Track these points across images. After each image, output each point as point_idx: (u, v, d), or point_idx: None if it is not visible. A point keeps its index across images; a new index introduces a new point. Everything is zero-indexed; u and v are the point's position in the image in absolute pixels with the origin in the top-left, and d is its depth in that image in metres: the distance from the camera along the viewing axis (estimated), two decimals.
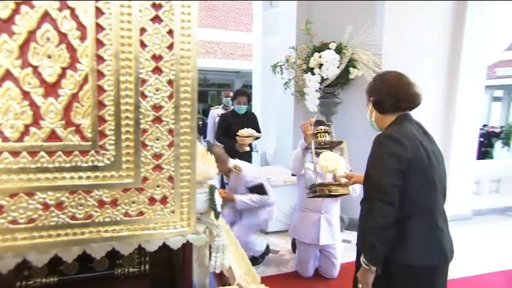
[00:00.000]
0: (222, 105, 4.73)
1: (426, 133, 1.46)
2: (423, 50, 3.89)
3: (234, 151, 3.60)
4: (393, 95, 1.43)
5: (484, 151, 9.58)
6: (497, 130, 10.78)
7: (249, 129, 3.60)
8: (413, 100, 1.44)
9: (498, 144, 8.81)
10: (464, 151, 4.21)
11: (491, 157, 8.84)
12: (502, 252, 3.42)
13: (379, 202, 1.29)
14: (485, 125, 11.74)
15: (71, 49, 0.86)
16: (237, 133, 3.55)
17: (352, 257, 1.50)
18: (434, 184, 1.36)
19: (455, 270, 3.01)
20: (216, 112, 4.70)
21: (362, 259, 1.36)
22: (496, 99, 16.71)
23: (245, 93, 3.82)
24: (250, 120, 3.79)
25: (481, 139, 9.12)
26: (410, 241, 1.33)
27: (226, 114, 3.92)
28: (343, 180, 1.95)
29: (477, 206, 4.47)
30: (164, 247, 1.12)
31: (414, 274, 1.36)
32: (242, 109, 3.73)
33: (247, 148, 3.64)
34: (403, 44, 3.69)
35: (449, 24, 4.00)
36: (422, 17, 3.79)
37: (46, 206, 0.90)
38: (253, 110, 5.58)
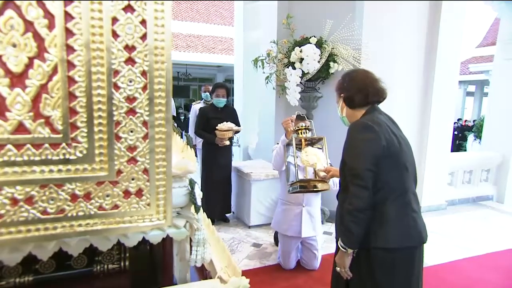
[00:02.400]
0: (203, 100, 4.69)
1: (394, 121, 1.54)
2: (401, 46, 3.98)
3: (214, 146, 3.55)
4: (363, 90, 1.50)
5: (458, 144, 9.95)
6: (470, 124, 11.22)
7: (228, 122, 3.50)
8: (380, 94, 1.53)
9: (470, 137, 9.16)
10: (439, 144, 4.36)
11: (465, 150, 9.19)
12: (474, 240, 3.58)
13: (354, 187, 1.36)
14: (459, 119, 12.18)
15: (38, 38, 0.83)
16: (216, 127, 3.49)
17: (334, 249, 1.54)
18: (406, 167, 1.43)
19: (431, 257, 3.13)
20: (197, 107, 4.66)
21: (339, 242, 1.42)
22: (469, 93, 17.34)
23: (223, 86, 3.70)
24: (230, 114, 3.69)
25: (455, 133, 9.47)
26: (388, 224, 1.39)
27: (205, 108, 3.78)
28: (322, 174, 2.02)
29: (451, 197, 4.66)
30: (144, 242, 1.10)
31: (393, 257, 1.41)
32: (221, 102, 3.62)
33: (227, 142, 3.58)
34: (382, 40, 3.76)
35: (425, 21, 4.12)
36: (400, 14, 3.88)
37: (14, 201, 0.86)
38: (235, 104, 5.54)
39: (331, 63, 3.46)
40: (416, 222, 1.44)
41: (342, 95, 1.58)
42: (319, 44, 3.43)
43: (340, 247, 1.42)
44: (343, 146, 1.48)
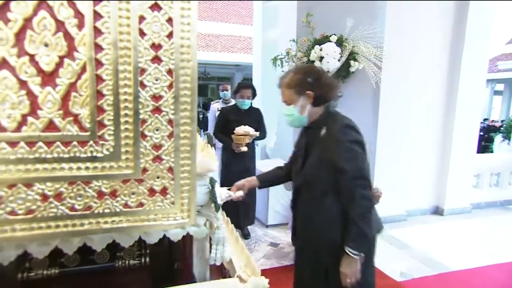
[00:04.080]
0: (221, 99, 4.72)
1: None
2: (424, 43, 3.86)
3: (232, 151, 3.23)
4: (334, 85, 1.51)
5: (484, 145, 9.56)
6: (498, 124, 10.74)
7: (246, 126, 3.15)
8: None
9: (498, 138, 8.78)
10: (464, 145, 4.21)
11: (491, 151, 8.82)
12: (501, 245, 3.43)
13: (360, 189, 1.35)
14: (485, 119, 11.70)
15: (68, 37, 0.84)
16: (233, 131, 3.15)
17: None
18: (368, 161, 1.51)
19: (455, 262, 3.02)
20: (216, 106, 4.70)
21: (349, 250, 1.34)
22: (497, 92, 16.59)
23: (249, 86, 3.32)
24: (254, 117, 3.36)
25: (482, 133, 9.10)
26: (371, 214, 1.42)
27: (226, 109, 3.48)
28: (238, 194, 1.64)
29: (476, 200, 4.49)
30: (165, 239, 1.11)
31: (372, 243, 1.49)
32: (245, 104, 3.25)
33: (244, 149, 3.18)
34: (405, 37, 3.66)
35: (451, 17, 3.98)
36: (424, 10, 3.76)
37: (44, 197, 0.89)
38: (253, 104, 5.50)
39: (352, 62, 3.39)
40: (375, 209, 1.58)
41: (308, 92, 1.45)
42: (340, 42, 3.37)
43: (353, 256, 1.34)
44: (326, 152, 1.41)
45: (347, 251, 1.35)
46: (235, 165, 3.29)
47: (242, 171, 3.19)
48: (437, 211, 4.37)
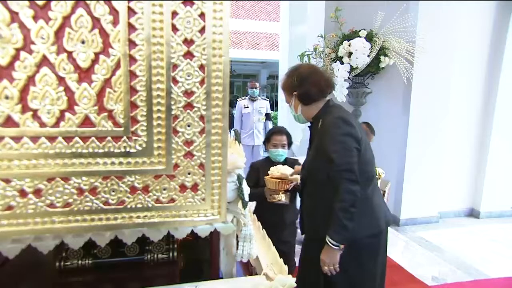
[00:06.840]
0: (248, 96, 4.73)
1: None
2: (460, 37, 3.66)
3: (266, 203, 2.22)
4: (317, 83, 1.52)
5: None
6: None
7: (285, 166, 2.18)
8: (332, 84, 1.58)
9: None
10: (504, 144, 3.98)
11: None
12: None
13: (346, 182, 1.35)
14: None
15: (103, 34, 0.86)
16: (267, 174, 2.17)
17: None
18: (372, 155, 1.53)
19: (492, 269, 2.85)
20: (242, 103, 4.71)
21: (329, 240, 1.38)
22: None
23: (284, 131, 2.40)
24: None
25: None
26: (374, 212, 1.47)
27: (257, 164, 2.53)
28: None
29: None
30: (192, 235, 1.12)
31: (378, 241, 1.51)
32: (280, 154, 2.36)
33: (280, 198, 2.17)
34: (439, 31, 3.49)
35: (492, 11, 3.75)
36: (461, 5, 3.56)
37: (80, 191, 0.91)
38: (279, 101, 5.47)
39: (382, 57, 3.27)
40: (386, 205, 1.60)
41: (295, 93, 1.56)
42: (369, 37, 3.26)
43: (332, 245, 1.38)
44: (320, 143, 1.46)
45: (327, 241, 1.39)
46: (273, 218, 2.28)
47: (280, 224, 2.32)
48: (473, 213, 4.15)
